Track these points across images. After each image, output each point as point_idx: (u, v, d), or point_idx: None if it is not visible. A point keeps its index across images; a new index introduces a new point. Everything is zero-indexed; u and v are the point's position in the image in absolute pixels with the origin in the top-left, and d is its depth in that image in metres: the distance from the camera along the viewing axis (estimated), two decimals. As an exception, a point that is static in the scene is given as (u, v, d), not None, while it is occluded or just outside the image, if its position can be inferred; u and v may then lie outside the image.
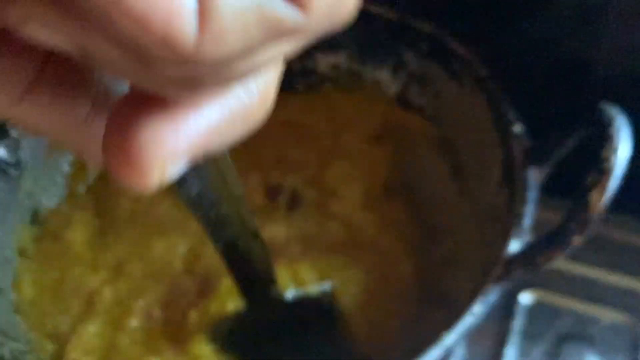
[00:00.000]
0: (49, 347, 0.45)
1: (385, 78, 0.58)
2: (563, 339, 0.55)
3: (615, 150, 0.36)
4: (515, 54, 0.62)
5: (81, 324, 0.46)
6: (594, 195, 0.36)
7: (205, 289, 0.49)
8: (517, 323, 0.56)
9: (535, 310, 0.58)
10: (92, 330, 0.46)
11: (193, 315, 0.46)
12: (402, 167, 0.57)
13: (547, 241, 0.38)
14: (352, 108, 0.59)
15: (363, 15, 0.55)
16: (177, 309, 0.48)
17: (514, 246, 0.40)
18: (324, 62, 0.60)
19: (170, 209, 0.54)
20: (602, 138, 0.37)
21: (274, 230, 0.51)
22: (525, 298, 0.58)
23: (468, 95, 0.51)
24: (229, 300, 0.46)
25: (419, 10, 0.56)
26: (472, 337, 0.55)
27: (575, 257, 0.60)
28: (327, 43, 0.59)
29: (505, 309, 0.57)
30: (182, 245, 0.50)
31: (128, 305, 0.47)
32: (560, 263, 0.59)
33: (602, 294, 0.58)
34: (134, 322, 0.46)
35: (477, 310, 0.38)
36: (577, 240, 0.36)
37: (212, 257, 0.48)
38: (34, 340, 0.44)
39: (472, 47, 0.53)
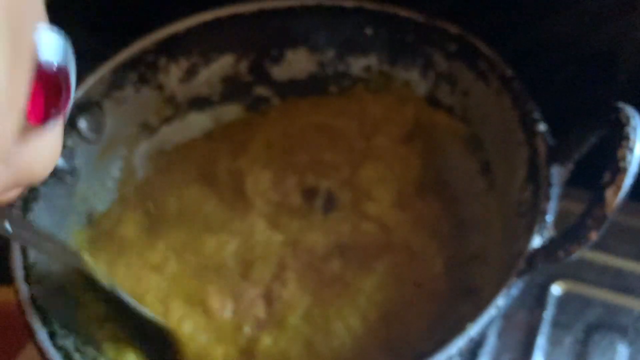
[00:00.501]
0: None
1: (415, 78, 0.60)
2: (594, 329, 0.57)
3: (631, 150, 0.38)
4: (539, 52, 0.63)
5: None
6: (609, 193, 0.37)
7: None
8: (548, 313, 0.58)
9: (566, 301, 0.59)
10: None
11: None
12: (433, 165, 0.59)
13: (567, 236, 0.40)
14: (383, 109, 0.61)
15: (392, 19, 0.58)
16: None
17: (536, 241, 0.42)
18: (356, 65, 0.62)
19: (216, 208, 0.57)
20: (619, 137, 0.38)
21: (313, 238, 0.53)
22: (557, 289, 0.60)
23: (494, 95, 0.53)
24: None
25: (445, 11, 0.58)
26: (504, 327, 0.57)
27: (605, 249, 0.62)
28: (359, 46, 0.61)
29: (537, 299, 0.59)
30: (232, 243, 0.53)
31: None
32: (591, 254, 0.61)
33: (632, 285, 0.59)
34: (177, 313, 0.50)
35: (500, 303, 0.40)
36: (594, 236, 0.38)
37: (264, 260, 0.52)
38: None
39: (496, 47, 0.55)
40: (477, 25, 0.56)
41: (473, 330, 0.39)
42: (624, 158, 0.38)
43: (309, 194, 0.58)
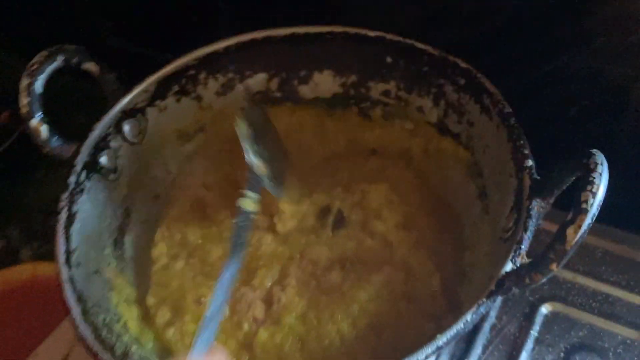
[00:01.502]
0: (135, 309, 0.56)
1: (428, 105, 0.66)
2: (576, 349, 0.61)
3: (594, 194, 0.42)
4: (555, 85, 0.67)
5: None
6: (570, 231, 0.42)
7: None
8: (535, 331, 0.63)
9: (553, 320, 0.63)
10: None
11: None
12: (436, 187, 0.65)
13: (532, 266, 0.45)
14: (396, 135, 0.66)
15: (410, 50, 0.63)
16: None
17: (508, 267, 0.47)
18: (376, 89, 0.68)
19: (230, 218, 0.63)
20: (585, 181, 0.43)
21: (319, 251, 0.59)
22: (546, 308, 0.64)
23: (495, 128, 0.57)
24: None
25: (460, 46, 0.62)
26: (491, 339, 0.62)
27: (597, 276, 0.66)
28: (379, 72, 0.67)
29: (527, 317, 0.64)
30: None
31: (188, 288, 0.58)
32: (583, 280, 0.66)
33: (619, 311, 0.63)
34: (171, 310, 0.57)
35: (468, 319, 0.45)
36: (555, 267, 0.43)
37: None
38: (121, 312, 0.55)
39: (509, 81, 0.59)
40: (492, 60, 0.61)
41: (441, 340, 0.44)
42: (586, 201, 0.42)
43: (322, 213, 0.63)
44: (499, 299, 0.63)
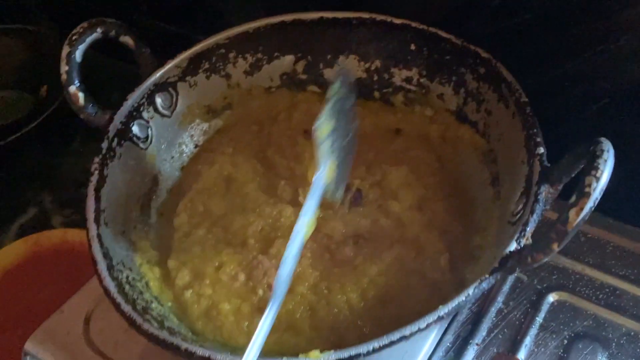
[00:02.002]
0: (157, 271, 0.59)
1: (449, 93, 0.67)
2: (579, 338, 0.62)
3: (597, 179, 0.43)
4: (578, 82, 0.68)
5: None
6: (572, 213, 0.43)
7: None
8: (540, 317, 0.64)
9: (559, 309, 0.65)
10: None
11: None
12: (453, 173, 0.66)
13: (534, 246, 0.46)
14: (416, 120, 0.68)
15: (433, 38, 0.65)
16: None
17: (512, 246, 0.48)
18: (399, 76, 0.70)
19: (256, 191, 0.65)
20: (591, 166, 0.44)
21: (334, 226, 0.61)
22: (553, 297, 0.66)
23: (510, 117, 0.59)
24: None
25: (486, 38, 0.64)
26: (497, 323, 0.64)
27: (606, 269, 0.67)
28: (403, 59, 0.69)
29: (533, 304, 0.65)
30: (257, 224, 0.61)
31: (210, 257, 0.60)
32: (591, 272, 0.67)
33: (625, 304, 0.64)
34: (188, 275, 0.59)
35: (470, 292, 0.47)
36: (555, 247, 0.44)
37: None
38: (144, 272, 0.58)
39: (524, 76, 0.60)
40: (516, 55, 0.62)
41: (442, 311, 0.46)
42: (589, 185, 0.43)
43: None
44: (508, 284, 0.66)
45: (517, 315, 0.65)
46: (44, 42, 1.06)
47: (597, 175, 0.44)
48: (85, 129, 0.64)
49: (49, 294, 0.84)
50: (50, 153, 1.04)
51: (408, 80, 0.70)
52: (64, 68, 0.60)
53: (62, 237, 0.91)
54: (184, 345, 0.47)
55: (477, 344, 0.62)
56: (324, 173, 0.56)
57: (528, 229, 0.49)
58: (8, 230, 0.97)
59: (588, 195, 0.43)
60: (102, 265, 0.52)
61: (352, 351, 0.45)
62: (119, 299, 0.50)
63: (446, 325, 0.63)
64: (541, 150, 0.54)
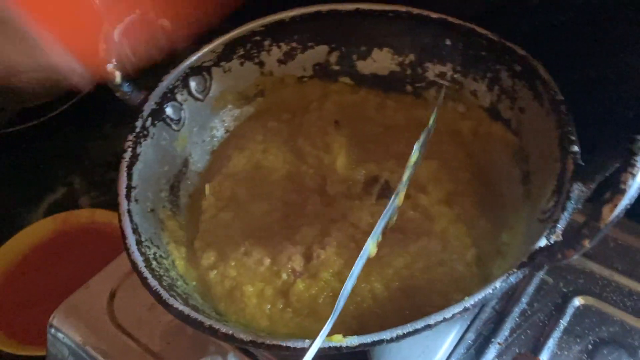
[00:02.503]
0: (183, 250, 0.60)
1: (482, 90, 0.67)
2: (604, 344, 0.61)
3: (633, 176, 0.43)
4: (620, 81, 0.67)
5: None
6: (606, 210, 0.43)
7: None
8: (564, 321, 0.63)
9: (584, 313, 0.64)
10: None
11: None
12: (483, 168, 0.66)
13: (564, 242, 0.46)
14: (448, 116, 0.68)
15: (470, 34, 0.65)
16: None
17: (542, 242, 0.48)
18: (433, 70, 0.70)
19: (284, 179, 0.66)
20: (627, 163, 0.44)
21: (360, 216, 0.61)
22: (579, 301, 0.65)
23: (545, 115, 0.58)
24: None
25: (523, 36, 0.63)
26: (520, 324, 0.63)
27: (636, 276, 0.66)
28: (437, 54, 0.69)
29: (558, 307, 0.65)
30: (280, 211, 0.62)
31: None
32: (620, 278, 0.66)
33: (653, 312, 0.63)
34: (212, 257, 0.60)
35: (497, 285, 0.47)
36: (587, 244, 0.44)
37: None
38: (171, 250, 0.59)
39: (560, 76, 0.60)
40: (552, 54, 0.62)
41: (468, 302, 0.46)
42: (625, 181, 0.43)
43: (370, 181, 0.65)
44: (533, 286, 0.65)
45: (541, 317, 0.64)
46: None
47: (634, 172, 0.43)
48: (117, 113, 0.65)
49: (74, 271, 0.86)
50: (82, 135, 1.06)
51: (441, 75, 0.69)
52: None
53: (90, 216, 0.93)
54: (208, 321, 0.47)
55: (499, 343, 0.62)
56: (399, 197, 0.56)
57: (559, 225, 0.49)
58: (37, 207, 0.99)
59: (623, 192, 0.43)
60: (131, 240, 0.53)
61: (375, 337, 0.45)
62: (146, 273, 0.51)
63: (468, 323, 0.63)
64: (575, 148, 0.53)
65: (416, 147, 0.56)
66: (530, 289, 0.66)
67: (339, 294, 0.56)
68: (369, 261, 0.58)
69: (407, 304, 0.55)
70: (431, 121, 0.59)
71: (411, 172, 0.56)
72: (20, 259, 0.90)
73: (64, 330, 0.66)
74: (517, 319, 0.64)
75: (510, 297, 0.66)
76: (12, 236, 0.92)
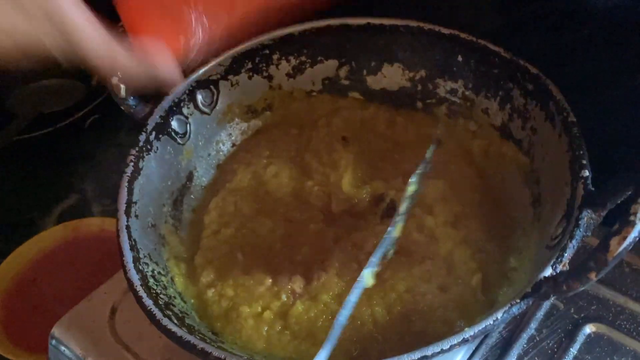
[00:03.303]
0: (183, 267, 0.59)
1: (494, 108, 0.65)
2: (615, 374, 0.59)
3: (643, 208, 0.41)
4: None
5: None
6: (614, 242, 0.41)
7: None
8: (574, 349, 0.61)
9: (595, 342, 0.62)
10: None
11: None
12: (493, 190, 0.64)
13: (571, 274, 0.44)
14: (459, 133, 0.66)
15: (483, 50, 0.63)
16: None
17: (547, 272, 0.46)
18: (444, 87, 0.68)
19: (290, 197, 0.65)
20: (638, 193, 0.42)
21: (363, 236, 0.60)
22: (590, 329, 0.62)
23: (557, 136, 0.57)
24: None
25: (538, 54, 0.62)
26: (528, 350, 0.61)
27: (649, 303, 0.63)
28: (449, 71, 0.67)
29: (569, 333, 0.62)
30: (281, 229, 0.61)
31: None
32: (634, 306, 0.63)
33: (667, 343, 0.61)
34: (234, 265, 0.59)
35: (499, 316, 0.45)
36: (593, 277, 0.42)
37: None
38: (170, 267, 0.58)
39: (575, 96, 0.58)
40: (568, 73, 0.60)
41: (468, 333, 0.44)
42: (635, 213, 0.41)
43: (376, 200, 0.64)
44: (542, 311, 0.63)
45: (550, 344, 0.62)
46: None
47: (643, 204, 0.41)
48: (132, 120, 0.65)
49: (82, 281, 0.86)
50: (96, 142, 1.06)
51: (453, 92, 0.68)
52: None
53: (100, 225, 0.93)
54: (201, 344, 0.46)
55: (506, 370, 0.60)
56: (396, 229, 0.55)
57: (566, 254, 0.47)
58: (50, 214, 1.00)
59: (633, 224, 0.41)
60: (128, 257, 0.52)
61: (370, 366, 0.44)
62: (142, 292, 0.50)
63: (474, 348, 0.61)
64: (586, 173, 0.51)
65: (413, 179, 0.55)
66: (540, 314, 0.64)
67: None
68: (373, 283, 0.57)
69: (408, 330, 0.54)
70: (429, 154, 0.59)
71: (409, 203, 0.55)
72: (30, 266, 0.91)
73: (65, 342, 0.65)
74: (524, 345, 0.62)
75: (518, 321, 0.63)
76: (24, 242, 0.93)
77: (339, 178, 0.65)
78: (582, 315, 0.64)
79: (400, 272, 0.57)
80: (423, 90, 0.69)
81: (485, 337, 0.62)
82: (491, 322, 0.45)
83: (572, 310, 0.64)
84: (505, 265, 0.57)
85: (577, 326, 0.63)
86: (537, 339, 0.62)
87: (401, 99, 0.70)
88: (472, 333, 0.44)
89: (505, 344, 0.62)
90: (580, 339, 0.62)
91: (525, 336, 0.62)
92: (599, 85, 0.63)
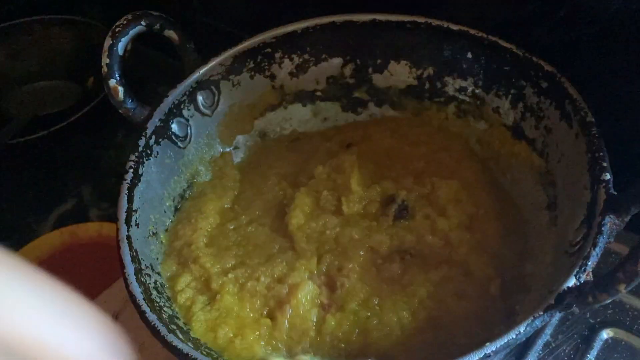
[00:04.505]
0: (188, 278, 0.56)
1: (506, 107, 0.63)
2: (634, 380, 0.57)
3: (674, 214, 0.39)
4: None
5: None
6: (644, 252, 0.39)
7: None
8: (592, 355, 0.59)
9: (613, 347, 0.60)
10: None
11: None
12: (506, 191, 0.62)
13: (598, 285, 0.42)
14: (471, 133, 0.64)
15: (493, 47, 0.61)
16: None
17: (571, 282, 0.44)
18: (452, 85, 0.66)
19: (289, 199, 0.63)
20: (667, 200, 0.40)
21: (379, 240, 0.57)
22: (607, 334, 0.60)
23: (573, 137, 0.54)
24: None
25: (549, 50, 0.59)
26: (545, 356, 0.59)
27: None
28: (458, 68, 0.65)
29: (586, 339, 0.60)
30: (279, 266, 0.57)
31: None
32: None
33: (688, 348, 0.59)
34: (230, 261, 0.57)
35: (522, 330, 0.43)
36: (622, 288, 0.40)
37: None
38: (173, 276, 0.56)
39: (588, 93, 0.56)
40: (580, 69, 0.58)
41: (489, 348, 0.42)
42: (665, 220, 0.39)
43: (386, 201, 0.62)
44: (557, 316, 0.61)
45: (567, 351, 0.60)
46: (93, 34, 1.05)
47: (674, 210, 0.39)
48: (130, 122, 0.62)
49: (81, 287, 0.83)
50: (93, 145, 1.04)
51: (462, 90, 0.66)
52: (105, 61, 0.59)
53: (97, 230, 0.90)
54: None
55: (522, 377, 0.58)
56: None
57: (589, 263, 0.45)
58: (46, 219, 0.97)
59: (662, 232, 0.39)
60: (129, 269, 0.50)
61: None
62: (145, 306, 0.48)
63: (489, 356, 0.59)
64: (607, 176, 0.49)
65: None
66: (555, 319, 0.62)
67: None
68: (393, 289, 0.55)
69: (432, 338, 0.52)
70: None
71: None
72: (27, 272, 0.88)
73: (64, 354, 0.63)
74: (540, 352, 0.60)
75: (533, 327, 0.61)
76: (21, 247, 0.90)
77: (346, 180, 0.63)
78: (599, 319, 0.62)
79: (418, 277, 0.55)
80: (431, 88, 0.67)
81: (500, 345, 0.60)
82: (514, 336, 0.43)
83: (588, 315, 0.62)
84: (523, 271, 0.55)
85: (594, 331, 0.61)
86: (553, 345, 0.60)
87: (408, 97, 0.68)
88: (493, 348, 0.42)
89: (521, 350, 0.60)
90: (598, 344, 0.60)
91: (540, 342, 0.60)
92: (615, 81, 0.61)
